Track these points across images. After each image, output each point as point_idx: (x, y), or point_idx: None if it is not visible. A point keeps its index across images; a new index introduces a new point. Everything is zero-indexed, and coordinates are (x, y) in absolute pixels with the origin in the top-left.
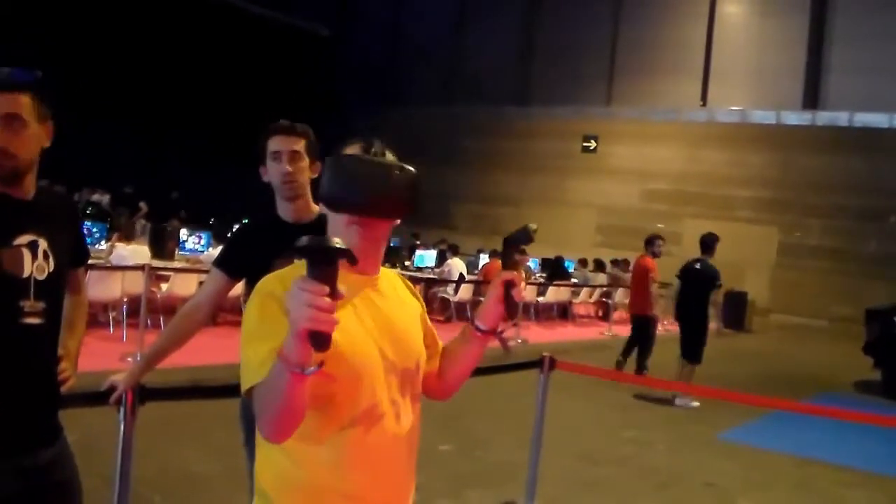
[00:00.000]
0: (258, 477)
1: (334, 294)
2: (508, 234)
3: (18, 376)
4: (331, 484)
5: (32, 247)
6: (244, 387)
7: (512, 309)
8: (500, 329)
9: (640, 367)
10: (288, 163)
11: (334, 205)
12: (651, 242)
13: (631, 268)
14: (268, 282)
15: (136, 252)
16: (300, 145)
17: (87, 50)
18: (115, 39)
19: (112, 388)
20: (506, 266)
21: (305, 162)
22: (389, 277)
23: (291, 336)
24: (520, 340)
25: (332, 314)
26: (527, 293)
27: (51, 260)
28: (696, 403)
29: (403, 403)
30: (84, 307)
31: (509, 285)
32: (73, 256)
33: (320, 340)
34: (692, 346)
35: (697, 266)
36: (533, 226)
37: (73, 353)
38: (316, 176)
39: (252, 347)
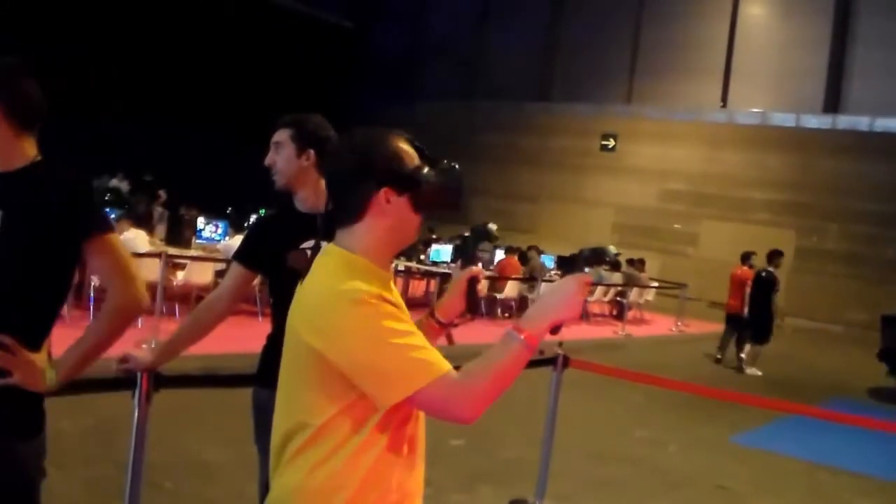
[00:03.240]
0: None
1: None
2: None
3: None
4: (389, 480)
5: None
6: (417, 385)
7: (473, 304)
8: (455, 322)
9: (739, 352)
10: (270, 154)
11: (434, 206)
12: (748, 257)
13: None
14: (357, 284)
15: (137, 237)
16: (282, 136)
17: (115, 37)
18: (139, 27)
19: (125, 359)
20: (466, 262)
21: (288, 151)
22: None
23: (549, 320)
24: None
25: None
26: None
27: None
28: (759, 373)
29: None
30: (110, 314)
31: (473, 281)
32: (74, 231)
33: (560, 327)
34: (761, 331)
35: (764, 274)
36: (493, 225)
37: (71, 359)
38: (309, 163)
39: (403, 349)
